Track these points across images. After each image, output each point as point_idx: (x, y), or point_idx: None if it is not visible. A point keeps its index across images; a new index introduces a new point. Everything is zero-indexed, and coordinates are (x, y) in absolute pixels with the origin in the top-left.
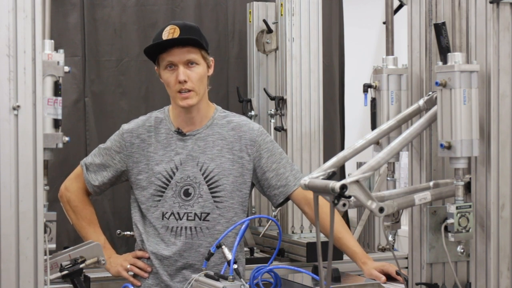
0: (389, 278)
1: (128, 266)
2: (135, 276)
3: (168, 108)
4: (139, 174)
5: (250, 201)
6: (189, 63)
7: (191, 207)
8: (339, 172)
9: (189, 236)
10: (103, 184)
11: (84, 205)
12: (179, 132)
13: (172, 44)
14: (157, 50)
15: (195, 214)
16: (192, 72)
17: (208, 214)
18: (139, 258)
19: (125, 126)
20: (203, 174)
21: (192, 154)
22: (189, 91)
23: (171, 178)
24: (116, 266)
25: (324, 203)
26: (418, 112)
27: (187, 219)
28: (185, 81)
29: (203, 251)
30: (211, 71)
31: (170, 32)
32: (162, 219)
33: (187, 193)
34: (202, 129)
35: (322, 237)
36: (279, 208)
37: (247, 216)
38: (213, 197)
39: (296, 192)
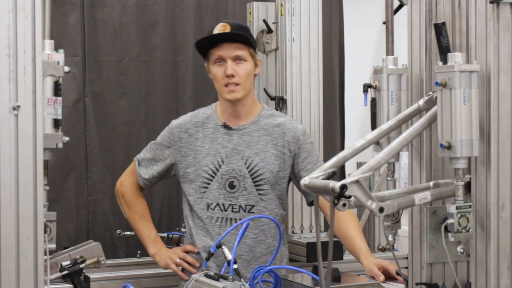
0: (389, 277)
1: (178, 260)
2: (183, 270)
3: (215, 105)
4: (187, 167)
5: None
6: (237, 59)
7: (236, 199)
8: (339, 172)
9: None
10: (152, 177)
11: (137, 199)
12: (226, 126)
13: (222, 39)
14: (207, 45)
15: (240, 206)
16: (240, 68)
17: (253, 206)
18: (188, 252)
19: (174, 122)
20: (247, 168)
21: (238, 148)
22: (236, 85)
23: (217, 170)
24: (165, 259)
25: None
26: (418, 112)
27: (232, 211)
28: (233, 75)
29: (249, 242)
30: (258, 70)
31: (221, 29)
32: (207, 210)
33: (232, 185)
34: (248, 125)
35: (322, 237)
36: None
37: (284, 209)
38: (257, 189)
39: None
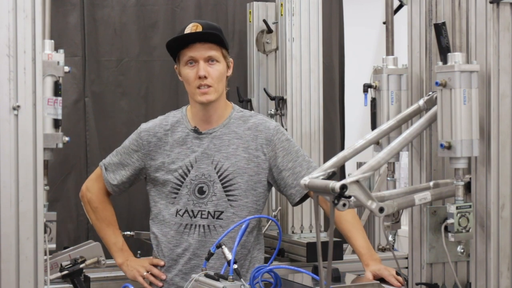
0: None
1: (145, 273)
2: (151, 284)
3: (185, 108)
4: (156, 171)
5: (269, 201)
6: (209, 60)
7: (205, 205)
8: (339, 172)
9: (202, 234)
10: (122, 183)
11: (104, 205)
12: (196, 131)
13: (194, 39)
14: (179, 46)
15: (209, 212)
16: (212, 69)
17: (222, 212)
18: (155, 265)
19: (143, 126)
20: (217, 173)
21: (208, 152)
22: (208, 87)
23: (186, 175)
24: (133, 271)
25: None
26: (418, 112)
27: (201, 217)
28: (205, 77)
29: (218, 250)
30: (230, 71)
31: (192, 29)
32: (176, 215)
33: (201, 191)
34: (218, 128)
35: (322, 237)
36: (279, 208)
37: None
38: (227, 195)
39: None
